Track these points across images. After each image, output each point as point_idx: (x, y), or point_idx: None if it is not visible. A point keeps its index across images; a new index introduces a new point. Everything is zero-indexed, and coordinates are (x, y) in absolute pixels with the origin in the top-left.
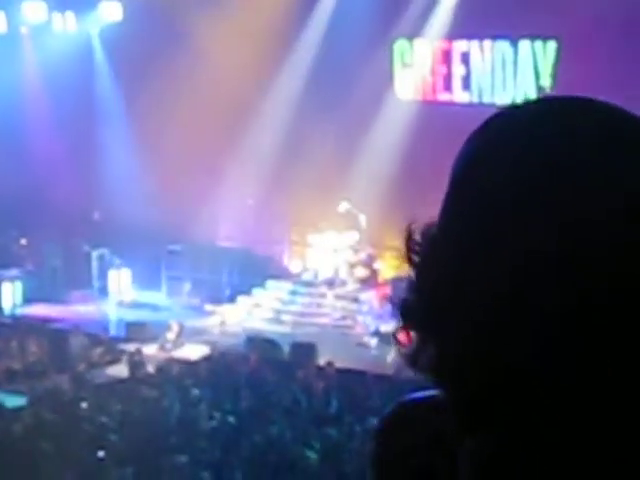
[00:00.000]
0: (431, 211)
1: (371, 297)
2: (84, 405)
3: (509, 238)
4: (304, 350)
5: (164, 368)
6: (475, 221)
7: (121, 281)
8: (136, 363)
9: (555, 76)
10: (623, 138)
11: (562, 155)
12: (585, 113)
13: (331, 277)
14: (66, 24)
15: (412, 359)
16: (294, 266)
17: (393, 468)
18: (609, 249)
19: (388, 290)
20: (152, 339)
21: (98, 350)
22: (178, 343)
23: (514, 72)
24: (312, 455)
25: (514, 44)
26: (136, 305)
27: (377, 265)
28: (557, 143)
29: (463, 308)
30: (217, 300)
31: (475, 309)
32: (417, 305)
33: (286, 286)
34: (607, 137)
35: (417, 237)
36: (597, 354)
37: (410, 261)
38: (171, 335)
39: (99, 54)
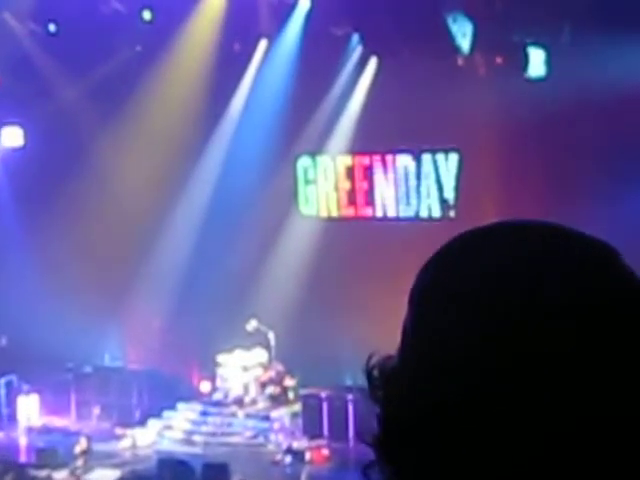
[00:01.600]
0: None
1: (282, 415)
2: None
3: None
4: (217, 470)
5: None
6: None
7: (30, 407)
8: None
9: (458, 189)
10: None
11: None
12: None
13: (241, 396)
14: None
15: None
16: (204, 386)
17: None
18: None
19: (299, 407)
20: (63, 464)
21: (8, 477)
22: (88, 467)
23: (417, 186)
24: None
25: (417, 158)
26: (46, 430)
27: (287, 382)
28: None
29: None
30: (127, 423)
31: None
32: (386, 440)
33: (196, 407)
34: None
35: (375, 373)
36: None
37: (373, 397)
38: (80, 449)
39: (0, 179)
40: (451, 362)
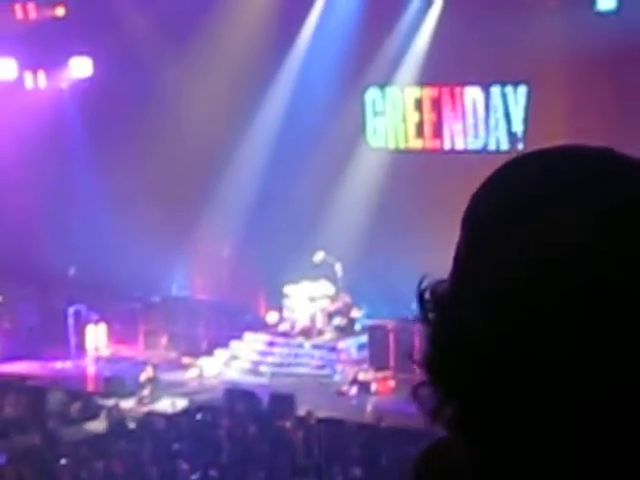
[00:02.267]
0: (404, 257)
1: (349, 345)
2: (63, 462)
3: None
4: (283, 401)
5: (143, 422)
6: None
7: (98, 336)
8: (115, 418)
9: (527, 121)
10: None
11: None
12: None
13: (308, 327)
14: (37, 81)
15: (434, 414)
16: (271, 317)
17: None
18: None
19: (365, 338)
20: (130, 393)
21: (76, 406)
22: (155, 396)
23: (485, 118)
24: None
25: (485, 90)
26: (113, 360)
27: (354, 313)
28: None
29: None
30: (194, 353)
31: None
32: (438, 360)
33: (263, 337)
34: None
35: (427, 296)
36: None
37: (425, 319)
38: (147, 377)
39: (70, 109)
40: (502, 291)
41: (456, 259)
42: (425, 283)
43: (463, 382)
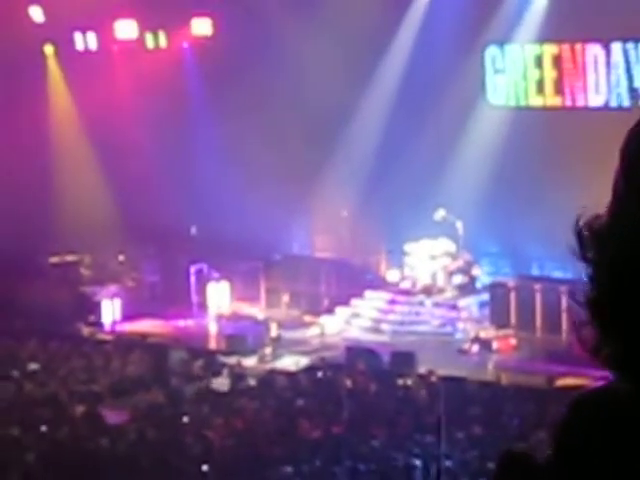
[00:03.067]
0: (525, 215)
1: (470, 304)
2: (186, 419)
3: None
4: (404, 359)
5: (265, 379)
6: None
7: (220, 295)
8: (237, 375)
9: None
10: None
11: None
12: None
13: (429, 285)
14: (158, 41)
15: (595, 352)
16: (391, 275)
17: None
18: None
19: (486, 296)
20: (252, 351)
21: (198, 363)
22: (277, 354)
23: (606, 75)
24: (416, 462)
25: (606, 47)
26: (235, 318)
27: (475, 271)
28: None
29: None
30: (316, 311)
31: None
32: (599, 300)
33: (384, 295)
34: None
35: (585, 233)
36: None
37: (584, 258)
38: (271, 335)
39: (190, 69)
40: None
41: (615, 193)
42: (582, 221)
43: (624, 321)
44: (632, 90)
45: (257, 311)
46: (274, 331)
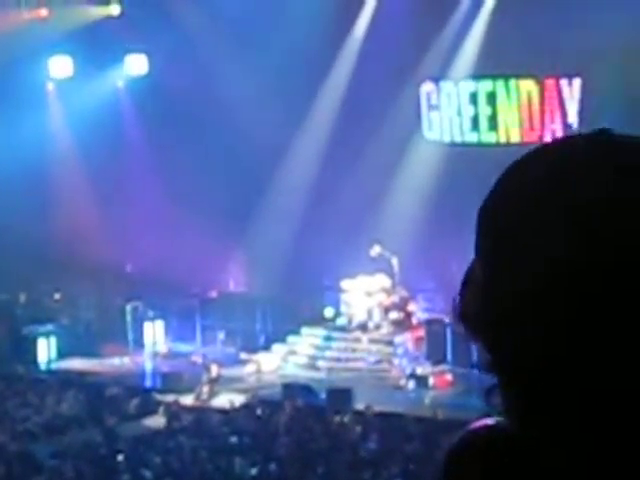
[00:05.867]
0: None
1: (406, 340)
2: (121, 458)
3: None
4: (341, 395)
5: (202, 418)
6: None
7: (155, 332)
8: (173, 414)
9: (581, 113)
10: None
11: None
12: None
13: (365, 321)
14: (92, 79)
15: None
16: (327, 312)
17: None
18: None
19: (422, 332)
20: (188, 389)
21: (135, 402)
22: (214, 392)
23: (540, 111)
24: None
25: (540, 83)
26: (171, 356)
27: (411, 307)
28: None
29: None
30: (252, 348)
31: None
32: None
33: (320, 332)
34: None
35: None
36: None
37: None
38: (209, 376)
39: (126, 107)
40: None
41: (484, 258)
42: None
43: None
44: (566, 126)
45: (193, 349)
46: (214, 372)
